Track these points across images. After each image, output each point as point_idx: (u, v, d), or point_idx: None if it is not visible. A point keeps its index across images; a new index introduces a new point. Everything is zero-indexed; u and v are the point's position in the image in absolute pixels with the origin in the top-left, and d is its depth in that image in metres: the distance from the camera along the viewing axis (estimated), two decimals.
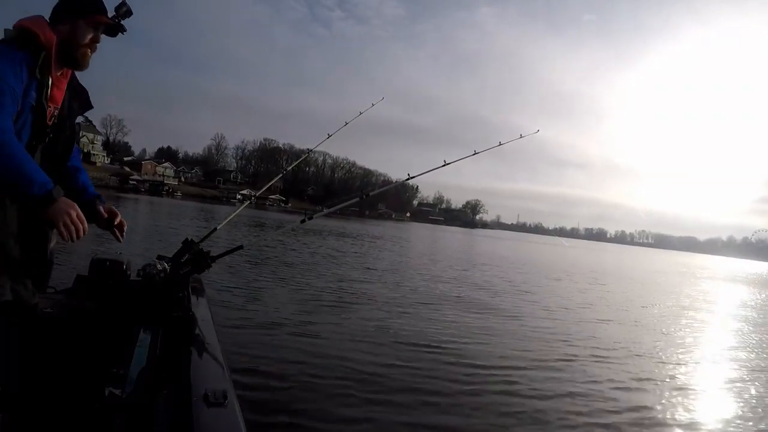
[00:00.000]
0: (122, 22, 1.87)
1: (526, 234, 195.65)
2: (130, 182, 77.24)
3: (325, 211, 3.12)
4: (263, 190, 3.21)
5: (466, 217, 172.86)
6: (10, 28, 1.74)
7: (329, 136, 3.00)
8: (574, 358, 6.72)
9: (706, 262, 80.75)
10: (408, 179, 2.95)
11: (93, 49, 1.84)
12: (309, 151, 3.56)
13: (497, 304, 10.54)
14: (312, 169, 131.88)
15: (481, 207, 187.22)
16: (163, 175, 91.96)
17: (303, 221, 2.50)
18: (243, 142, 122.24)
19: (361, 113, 3.15)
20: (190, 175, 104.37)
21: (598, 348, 7.47)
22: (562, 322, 9.31)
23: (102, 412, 1.58)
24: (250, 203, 2.84)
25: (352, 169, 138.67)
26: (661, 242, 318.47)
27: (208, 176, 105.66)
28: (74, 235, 1.58)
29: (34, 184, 1.53)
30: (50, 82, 1.73)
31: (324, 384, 4.66)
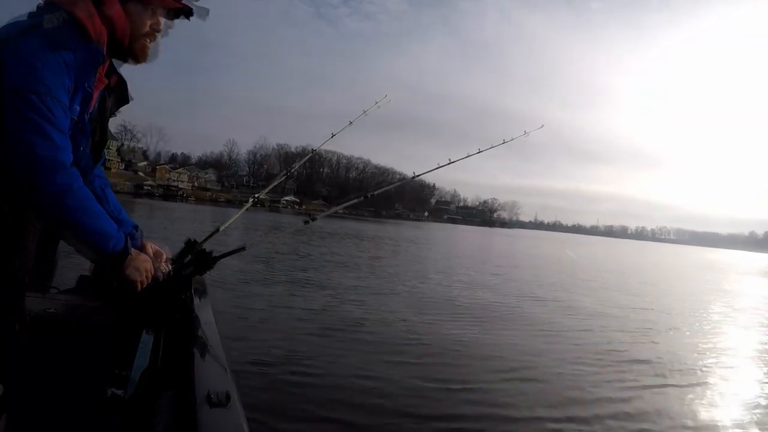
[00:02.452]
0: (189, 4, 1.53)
1: (544, 232, 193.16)
2: (145, 188, 78.02)
3: (328, 212, 3.12)
4: (267, 189, 3.18)
5: (484, 215, 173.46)
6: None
7: (333, 135, 2.97)
8: (651, 389, 5.58)
9: (734, 258, 79.03)
10: (413, 177, 2.98)
11: (153, 39, 1.51)
12: (312, 150, 3.54)
13: (539, 315, 9.43)
14: (326, 170, 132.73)
15: (499, 205, 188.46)
16: (177, 181, 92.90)
17: (306, 222, 2.48)
18: (256, 146, 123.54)
19: (365, 112, 3.12)
20: (203, 179, 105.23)
21: (679, 369, 6.47)
22: (624, 336, 8.27)
23: (104, 413, 1.57)
24: (253, 204, 2.81)
25: (366, 169, 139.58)
26: (683, 238, 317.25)
27: (221, 181, 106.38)
28: (144, 285, 1.49)
29: (110, 238, 1.36)
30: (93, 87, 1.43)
31: (328, 386, 4.65)
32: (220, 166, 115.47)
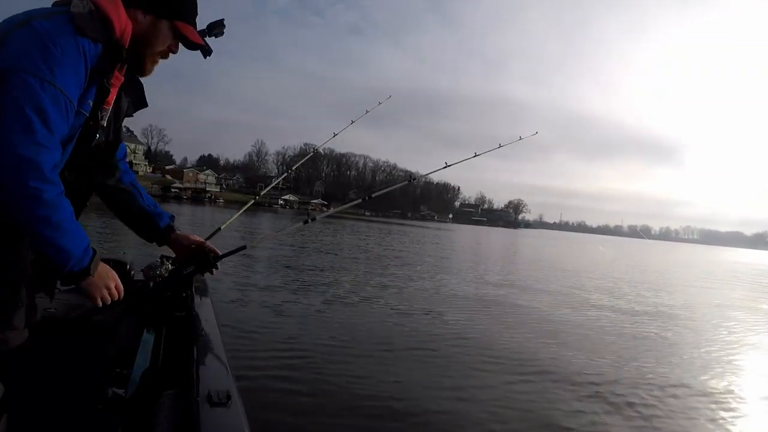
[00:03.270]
0: (209, 41, 1.56)
1: (570, 233, 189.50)
2: (173, 190, 77.92)
3: (328, 212, 3.13)
4: (267, 189, 3.20)
5: (509, 217, 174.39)
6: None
7: (335, 135, 2.98)
8: None
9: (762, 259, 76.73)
10: (411, 181, 3.01)
11: (166, 57, 1.51)
12: (314, 149, 3.56)
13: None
14: (353, 173, 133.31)
15: (524, 206, 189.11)
16: (205, 183, 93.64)
17: (306, 222, 2.47)
18: (283, 147, 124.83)
19: (367, 111, 3.12)
20: (231, 182, 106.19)
21: None
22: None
23: (104, 412, 1.56)
24: (254, 204, 2.84)
25: (393, 172, 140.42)
26: (707, 238, 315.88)
27: (249, 182, 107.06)
28: (108, 303, 1.42)
29: (70, 258, 1.27)
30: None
31: (329, 385, 4.64)
32: (248, 168, 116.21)
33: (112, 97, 1.44)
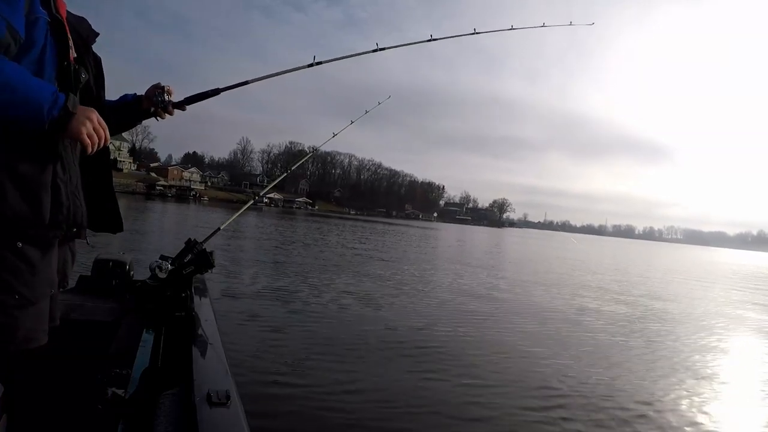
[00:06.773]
0: None
1: (555, 232, 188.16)
2: (157, 188, 76.89)
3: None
4: (267, 189, 3.20)
5: (494, 216, 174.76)
6: None
7: (334, 135, 2.98)
8: None
9: (749, 259, 75.47)
10: (430, 40, 2.66)
11: None
12: (314, 149, 3.55)
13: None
14: (338, 171, 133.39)
15: (509, 206, 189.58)
16: (190, 181, 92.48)
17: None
18: (269, 146, 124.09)
19: (367, 111, 3.13)
20: (216, 179, 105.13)
21: None
22: None
23: (105, 412, 1.57)
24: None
25: (378, 170, 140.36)
26: (690, 238, 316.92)
27: (234, 180, 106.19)
28: (101, 143, 1.35)
29: (43, 105, 1.20)
30: None
31: (328, 385, 4.64)
32: (233, 166, 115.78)
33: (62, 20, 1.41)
